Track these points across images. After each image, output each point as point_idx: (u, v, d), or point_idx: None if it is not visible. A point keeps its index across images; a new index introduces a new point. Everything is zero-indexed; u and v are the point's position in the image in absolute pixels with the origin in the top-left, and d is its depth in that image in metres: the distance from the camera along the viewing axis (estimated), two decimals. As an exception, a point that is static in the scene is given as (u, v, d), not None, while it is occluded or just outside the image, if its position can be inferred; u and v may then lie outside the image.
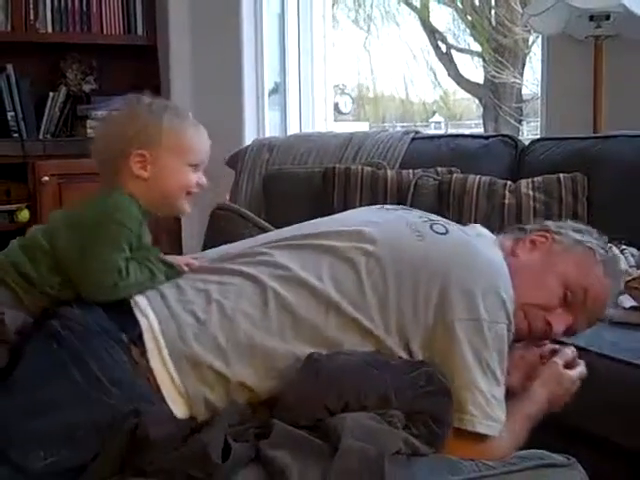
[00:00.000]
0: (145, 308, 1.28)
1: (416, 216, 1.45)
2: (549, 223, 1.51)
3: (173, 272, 1.36)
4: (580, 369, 1.45)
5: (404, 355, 1.27)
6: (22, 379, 1.19)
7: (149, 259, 1.34)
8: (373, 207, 1.60)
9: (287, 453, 1.12)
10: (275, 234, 1.53)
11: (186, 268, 1.38)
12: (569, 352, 1.46)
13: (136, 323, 1.25)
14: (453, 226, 1.41)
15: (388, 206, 1.57)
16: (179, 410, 1.21)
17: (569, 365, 1.45)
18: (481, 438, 1.25)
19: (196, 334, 1.25)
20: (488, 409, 1.25)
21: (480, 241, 1.42)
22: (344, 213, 1.62)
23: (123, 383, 1.18)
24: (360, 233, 1.37)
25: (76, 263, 1.27)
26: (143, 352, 1.23)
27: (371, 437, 1.12)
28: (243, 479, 1.10)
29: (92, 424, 1.15)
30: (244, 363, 1.24)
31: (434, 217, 1.44)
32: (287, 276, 1.32)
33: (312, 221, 1.55)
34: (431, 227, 1.38)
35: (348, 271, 1.31)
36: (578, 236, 1.45)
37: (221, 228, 1.52)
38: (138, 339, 1.24)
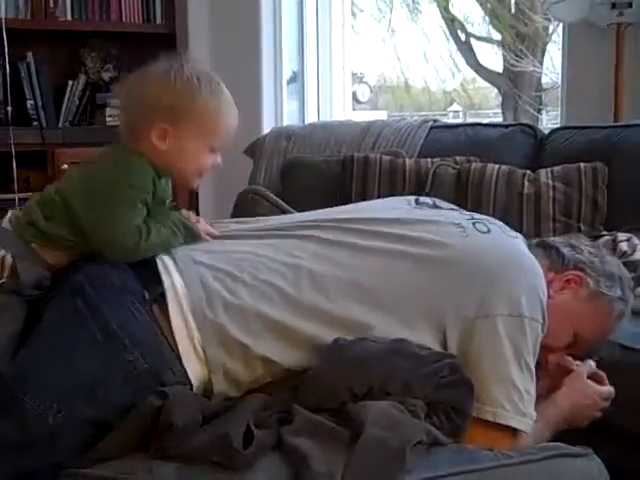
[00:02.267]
0: (170, 268, 1.28)
1: (456, 212, 1.48)
2: (583, 256, 1.47)
3: (192, 238, 1.36)
4: (609, 388, 1.47)
5: (437, 346, 1.28)
6: (44, 331, 1.20)
7: (171, 220, 1.34)
8: (404, 198, 1.59)
9: (309, 440, 1.12)
10: (313, 214, 1.53)
11: (207, 237, 1.38)
12: (592, 364, 1.47)
13: (160, 281, 1.26)
14: (494, 225, 1.43)
15: (422, 199, 1.55)
16: (196, 372, 1.22)
17: (596, 379, 1.46)
18: (512, 433, 1.26)
19: (225, 302, 1.25)
20: (521, 405, 1.26)
21: (519, 242, 1.43)
22: (380, 202, 1.60)
23: (142, 341, 1.19)
24: (405, 224, 1.39)
25: (95, 227, 1.27)
26: (165, 311, 1.24)
27: (394, 427, 1.13)
28: (264, 466, 1.11)
29: (108, 379, 1.16)
30: (268, 338, 1.25)
31: (477, 215, 1.46)
32: (324, 256, 1.32)
33: (350, 206, 1.55)
34: (474, 225, 1.39)
35: (390, 261, 1.33)
36: (606, 284, 1.44)
37: (247, 211, 1.52)
38: (160, 297, 1.25)
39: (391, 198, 1.66)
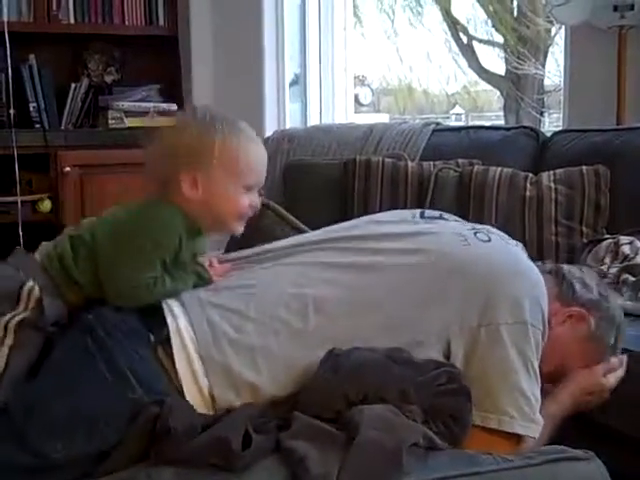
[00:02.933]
0: (176, 311, 1.28)
1: (458, 223, 1.48)
2: (593, 296, 1.45)
3: (203, 284, 1.35)
4: (615, 376, 1.47)
5: (441, 357, 1.28)
6: (53, 366, 1.21)
7: (183, 271, 1.32)
8: (409, 212, 1.58)
9: (307, 443, 1.12)
10: (312, 235, 1.53)
11: (218, 279, 1.37)
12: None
13: (165, 324, 1.26)
14: (495, 235, 1.43)
15: (427, 211, 1.55)
16: (199, 410, 1.22)
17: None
18: (517, 439, 1.26)
19: (231, 341, 1.25)
20: (528, 410, 1.26)
21: (519, 250, 1.44)
22: (383, 215, 1.59)
23: (147, 381, 1.19)
24: (408, 237, 1.39)
25: (106, 267, 1.27)
26: (169, 353, 1.24)
27: (390, 428, 1.13)
28: (263, 468, 1.11)
29: (112, 417, 1.16)
30: (277, 374, 1.24)
31: (477, 226, 1.46)
32: (327, 280, 1.33)
33: (350, 223, 1.55)
34: (475, 234, 1.40)
35: (393, 275, 1.33)
36: (605, 329, 1.44)
37: (253, 223, 1.52)
38: (166, 340, 1.25)
39: (396, 211, 1.66)
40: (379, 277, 1.33)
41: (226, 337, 1.25)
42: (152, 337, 1.25)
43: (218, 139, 1.29)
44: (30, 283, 1.25)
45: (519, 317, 1.28)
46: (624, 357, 1.49)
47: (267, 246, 1.50)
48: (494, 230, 1.46)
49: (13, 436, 1.13)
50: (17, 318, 1.22)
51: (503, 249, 1.40)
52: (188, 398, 1.22)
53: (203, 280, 1.35)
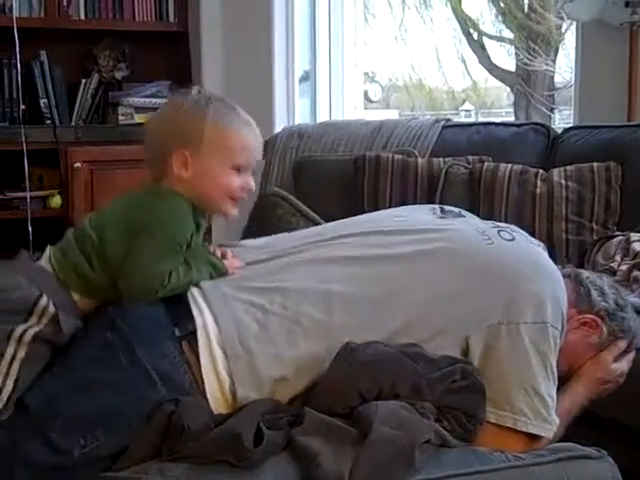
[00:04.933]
0: (202, 305, 1.27)
1: (481, 222, 1.48)
2: (609, 305, 1.45)
3: (220, 275, 1.34)
4: (628, 361, 1.47)
5: (457, 352, 1.28)
6: (74, 361, 1.21)
7: (197, 259, 1.31)
8: (428, 207, 1.58)
9: (319, 440, 1.12)
10: (330, 228, 1.52)
11: (234, 271, 1.36)
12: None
13: (191, 318, 1.25)
14: (518, 234, 1.43)
15: (447, 207, 1.55)
16: (220, 409, 1.21)
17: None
18: (531, 438, 1.26)
19: (256, 337, 1.24)
20: (544, 412, 1.26)
21: (542, 250, 1.44)
22: (403, 211, 1.59)
23: (169, 377, 1.19)
24: (431, 233, 1.39)
25: (120, 263, 1.26)
26: (194, 348, 1.23)
27: (402, 425, 1.13)
28: (275, 465, 1.11)
29: (133, 413, 1.16)
30: (301, 370, 1.24)
31: (501, 224, 1.46)
32: (351, 275, 1.32)
33: (369, 216, 1.54)
34: (498, 233, 1.40)
35: (416, 270, 1.33)
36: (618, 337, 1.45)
37: (268, 213, 1.51)
38: (191, 335, 1.24)
39: (415, 206, 1.65)
40: (401, 272, 1.33)
41: (251, 333, 1.24)
42: (177, 331, 1.24)
43: (209, 119, 1.30)
44: (44, 299, 1.22)
45: (540, 317, 1.28)
46: (631, 338, 1.48)
47: (281, 236, 1.49)
48: (517, 229, 1.46)
49: (35, 434, 1.13)
50: (31, 331, 1.20)
51: (526, 249, 1.40)
52: (209, 395, 1.21)
53: (218, 270, 1.34)
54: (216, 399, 1.21)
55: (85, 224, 1.31)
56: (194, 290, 1.29)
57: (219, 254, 1.38)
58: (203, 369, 1.22)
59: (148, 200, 1.31)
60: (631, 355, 1.48)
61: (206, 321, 1.25)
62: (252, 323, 1.25)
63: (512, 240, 1.39)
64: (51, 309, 1.22)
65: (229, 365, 1.22)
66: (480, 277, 1.31)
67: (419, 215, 1.52)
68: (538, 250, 1.43)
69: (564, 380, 1.41)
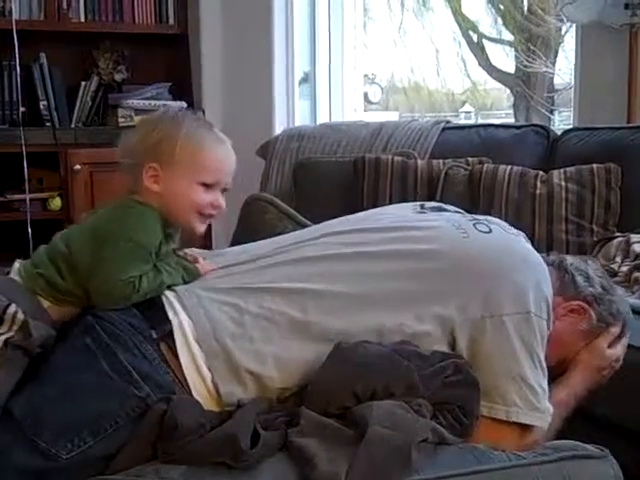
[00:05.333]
0: (177, 306, 1.28)
1: (458, 215, 1.47)
2: (595, 289, 1.44)
3: (192, 278, 1.35)
4: (622, 347, 1.46)
5: (445, 348, 1.27)
6: (55, 369, 1.21)
7: (168, 264, 1.32)
8: (410, 204, 1.58)
9: (315, 441, 1.12)
10: (313, 229, 1.52)
11: (208, 274, 1.37)
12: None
13: (167, 320, 1.26)
14: (495, 225, 1.42)
15: (427, 204, 1.55)
16: (208, 405, 1.22)
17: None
18: (525, 429, 1.26)
19: (233, 335, 1.25)
20: (535, 400, 1.26)
21: (521, 239, 1.43)
22: (384, 210, 1.59)
23: (151, 377, 1.19)
24: (408, 230, 1.39)
25: (88, 272, 1.27)
26: (172, 349, 1.24)
27: (398, 425, 1.13)
28: (271, 466, 1.11)
29: (120, 415, 1.16)
30: (281, 366, 1.24)
31: (477, 216, 1.45)
32: (325, 273, 1.32)
33: (353, 215, 1.54)
34: (474, 226, 1.39)
35: (391, 268, 1.32)
36: (607, 321, 1.44)
37: (255, 218, 1.51)
38: (168, 336, 1.24)
39: (397, 205, 1.65)
40: (377, 271, 1.32)
41: (227, 330, 1.25)
42: (154, 333, 1.24)
43: (182, 135, 1.32)
44: (13, 307, 1.23)
45: (523, 307, 1.28)
46: (624, 322, 1.47)
47: (261, 242, 1.50)
48: (495, 220, 1.45)
49: (23, 440, 1.13)
50: (1, 338, 1.21)
51: (504, 240, 1.39)
52: (194, 392, 1.22)
53: (190, 274, 1.35)
54: (202, 396, 1.22)
55: (56, 238, 1.33)
56: (168, 293, 1.30)
57: (190, 258, 1.40)
58: (183, 366, 1.22)
59: (116, 211, 1.32)
60: (625, 340, 1.47)
61: (182, 320, 1.25)
62: (227, 321, 1.26)
63: (489, 232, 1.38)
64: (20, 316, 1.23)
65: (208, 361, 1.23)
66: (456, 274, 1.30)
67: (399, 211, 1.51)
68: (517, 240, 1.41)
69: (559, 372, 1.41)
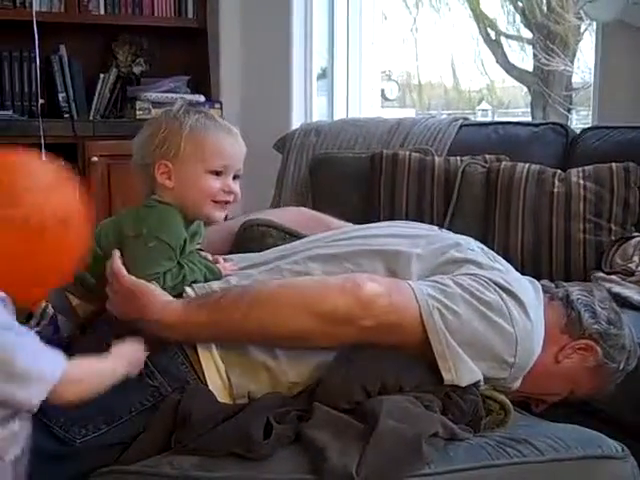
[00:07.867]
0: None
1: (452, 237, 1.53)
2: (601, 326, 1.44)
3: (213, 276, 1.38)
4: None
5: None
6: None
7: (191, 261, 1.36)
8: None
9: (327, 434, 1.13)
10: (322, 237, 1.56)
11: (229, 274, 1.41)
12: None
13: None
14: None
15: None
16: (221, 396, 1.25)
17: None
18: None
19: None
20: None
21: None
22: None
23: (168, 368, 1.22)
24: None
25: None
26: None
27: (409, 419, 1.14)
28: (283, 458, 1.12)
29: (134, 404, 1.19)
30: (292, 359, 1.27)
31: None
32: (334, 272, 1.35)
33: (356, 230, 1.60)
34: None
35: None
36: (614, 356, 1.44)
37: (255, 245, 1.51)
38: None
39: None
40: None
41: None
42: None
43: (186, 128, 1.35)
44: (43, 302, 1.27)
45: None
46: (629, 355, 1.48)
47: (268, 251, 1.55)
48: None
49: (39, 425, 1.14)
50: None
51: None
52: (210, 383, 1.24)
53: (214, 274, 1.39)
54: (217, 387, 1.24)
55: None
56: (187, 289, 1.34)
57: (211, 258, 1.44)
58: (200, 357, 1.25)
59: (140, 212, 1.35)
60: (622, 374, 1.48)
61: None
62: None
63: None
64: (50, 311, 1.27)
65: (223, 353, 1.26)
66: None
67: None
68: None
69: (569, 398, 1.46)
